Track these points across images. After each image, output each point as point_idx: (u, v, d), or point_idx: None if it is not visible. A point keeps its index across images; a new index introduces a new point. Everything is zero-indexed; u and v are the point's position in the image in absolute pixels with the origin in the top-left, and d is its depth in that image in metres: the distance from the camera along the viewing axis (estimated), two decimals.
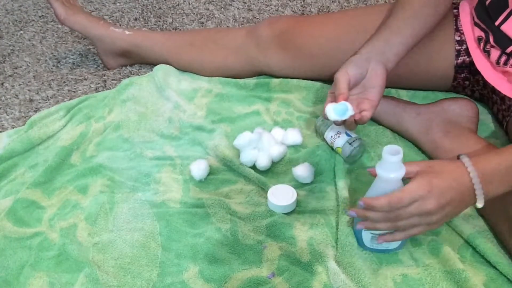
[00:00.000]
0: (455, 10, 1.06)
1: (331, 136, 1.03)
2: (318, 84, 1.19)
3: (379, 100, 0.87)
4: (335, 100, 0.84)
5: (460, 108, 1.03)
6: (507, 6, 0.93)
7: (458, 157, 0.77)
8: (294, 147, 1.07)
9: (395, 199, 0.74)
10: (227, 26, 1.52)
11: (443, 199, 0.74)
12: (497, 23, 0.95)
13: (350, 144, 1.00)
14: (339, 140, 1.01)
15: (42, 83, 1.33)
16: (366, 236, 0.84)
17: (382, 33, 0.91)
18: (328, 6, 1.57)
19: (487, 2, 0.97)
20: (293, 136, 1.07)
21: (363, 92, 0.87)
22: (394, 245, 0.85)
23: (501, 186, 0.76)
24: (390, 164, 0.74)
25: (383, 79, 0.88)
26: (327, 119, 0.84)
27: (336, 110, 0.82)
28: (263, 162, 1.01)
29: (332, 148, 1.04)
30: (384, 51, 0.89)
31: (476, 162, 0.75)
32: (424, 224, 0.77)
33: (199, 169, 1.00)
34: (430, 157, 1.01)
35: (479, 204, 0.76)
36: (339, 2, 1.59)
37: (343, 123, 0.85)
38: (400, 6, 0.94)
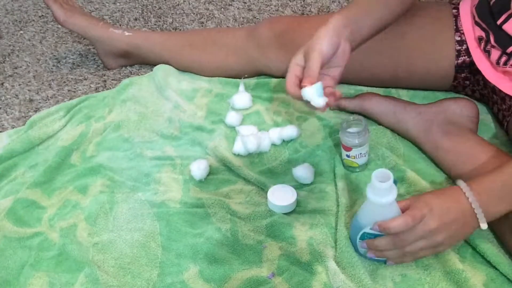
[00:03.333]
0: (454, 10, 1.06)
1: (356, 155, 0.99)
2: None
3: (339, 79, 0.86)
4: (300, 74, 0.82)
5: (460, 108, 1.03)
6: (509, 7, 0.93)
7: (455, 183, 0.79)
8: (294, 147, 1.07)
9: (410, 217, 0.75)
10: (227, 26, 1.52)
11: (445, 218, 0.75)
12: (499, 22, 0.95)
13: (366, 164, 1.01)
14: (360, 160, 0.99)
15: (42, 83, 1.33)
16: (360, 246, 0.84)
17: (353, 11, 0.87)
18: (328, 6, 1.57)
19: (492, 1, 0.97)
20: (289, 130, 1.07)
21: (325, 69, 0.84)
22: None
23: (502, 204, 0.77)
24: (380, 190, 0.75)
25: (348, 59, 0.85)
26: (303, 100, 0.80)
27: (318, 93, 0.79)
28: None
29: (343, 155, 1.01)
30: (354, 31, 0.86)
31: (471, 184, 0.77)
32: (430, 246, 0.77)
33: (199, 169, 1.00)
34: (430, 157, 1.01)
35: (483, 225, 0.76)
36: (339, 2, 1.59)
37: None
38: None
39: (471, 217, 0.76)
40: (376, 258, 0.84)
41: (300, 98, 0.80)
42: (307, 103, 0.80)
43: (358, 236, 0.82)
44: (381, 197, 0.75)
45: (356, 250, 0.85)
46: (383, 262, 0.84)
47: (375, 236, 0.80)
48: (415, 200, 0.77)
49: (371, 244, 0.81)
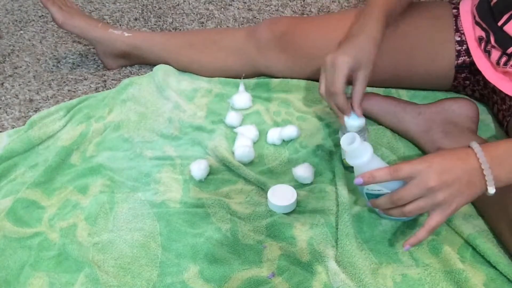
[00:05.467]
0: (454, 10, 1.06)
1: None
2: (318, 84, 1.19)
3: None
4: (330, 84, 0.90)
5: (461, 108, 1.03)
6: (510, 8, 0.93)
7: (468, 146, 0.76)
8: (294, 147, 1.07)
9: (393, 167, 0.74)
10: (227, 26, 1.52)
11: (446, 175, 0.72)
12: (500, 23, 0.95)
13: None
14: None
15: (42, 83, 1.33)
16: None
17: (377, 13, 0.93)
18: (328, 6, 1.57)
19: (493, 2, 0.97)
20: (289, 130, 1.07)
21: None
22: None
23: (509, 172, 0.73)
24: (353, 151, 0.77)
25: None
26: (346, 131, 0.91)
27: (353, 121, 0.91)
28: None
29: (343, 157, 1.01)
30: (376, 32, 0.91)
31: (484, 147, 0.73)
32: (433, 205, 0.74)
33: (199, 169, 1.00)
34: None
35: (491, 189, 0.73)
36: (339, 2, 1.59)
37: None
38: None
39: (478, 178, 0.73)
40: (398, 218, 0.86)
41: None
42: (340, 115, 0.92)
43: (365, 195, 0.84)
44: (357, 157, 0.78)
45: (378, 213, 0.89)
46: (399, 220, 0.88)
47: (377, 195, 0.80)
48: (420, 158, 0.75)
49: (375, 203, 0.81)
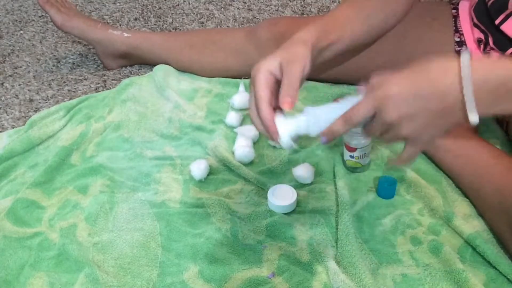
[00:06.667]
0: (454, 11, 1.06)
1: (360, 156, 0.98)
2: (318, 84, 1.19)
3: None
4: (273, 87, 0.72)
5: None
6: (506, 7, 0.93)
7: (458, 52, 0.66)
8: (294, 148, 1.07)
9: (348, 113, 0.66)
10: (227, 26, 1.52)
11: (405, 107, 0.62)
12: (496, 22, 0.95)
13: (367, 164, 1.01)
14: (363, 160, 0.99)
15: (42, 83, 1.33)
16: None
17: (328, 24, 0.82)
18: (328, 6, 1.57)
19: (489, 2, 0.97)
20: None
21: None
22: None
23: (494, 100, 0.60)
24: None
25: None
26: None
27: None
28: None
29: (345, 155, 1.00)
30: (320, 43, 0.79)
31: (477, 65, 0.60)
32: (398, 139, 0.66)
33: (199, 169, 1.00)
34: (429, 157, 1.01)
35: (473, 116, 0.61)
36: (339, 2, 1.59)
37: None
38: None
39: (454, 102, 0.60)
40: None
41: (273, 135, 0.71)
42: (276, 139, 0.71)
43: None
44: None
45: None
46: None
47: None
48: (373, 86, 0.65)
49: (330, 131, 0.68)
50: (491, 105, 0.61)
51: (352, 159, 0.98)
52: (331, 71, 1.15)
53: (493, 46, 0.97)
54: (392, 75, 0.64)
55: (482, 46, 1.00)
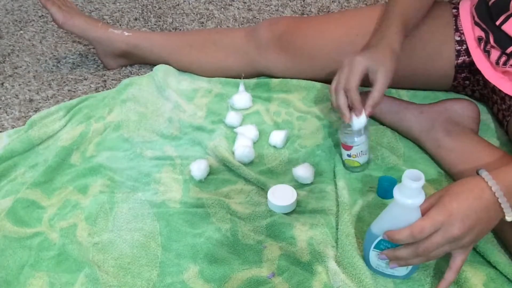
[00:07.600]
0: (454, 10, 1.06)
1: (357, 154, 0.98)
2: (318, 84, 1.19)
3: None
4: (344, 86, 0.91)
5: (462, 109, 1.03)
6: (507, 8, 0.93)
7: (477, 173, 0.74)
8: (294, 147, 1.07)
9: (417, 228, 0.71)
10: (227, 26, 1.52)
11: (468, 221, 0.70)
12: (498, 22, 0.95)
13: (367, 162, 1.01)
14: (361, 158, 0.99)
15: (42, 83, 1.33)
16: (373, 258, 0.81)
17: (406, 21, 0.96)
18: (328, 6, 1.57)
19: (491, 2, 0.97)
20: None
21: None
22: (402, 271, 0.81)
23: None
24: (410, 190, 0.70)
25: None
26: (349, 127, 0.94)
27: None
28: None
29: (343, 154, 1.00)
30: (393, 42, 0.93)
31: (496, 176, 0.72)
32: (457, 248, 0.74)
33: (199, 169, 1.00)
34: (431, 155, 1.01)
35: (509, 217, 0.72)
36: (339, 2, 1.59)
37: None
38: None
39: (495, 210, 0.72)
40: (390, 274, 0.81)
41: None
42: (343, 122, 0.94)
43: (373, 245, 0.78)
44: (408, 197, 0.71)
45: (368, 263, 0.82)
46: (398, 278, 0.82)
47: (393, 245, 0.75)
48: (438, 202, 0.72)
49: (392, 255, 0.76)
50: None
51: (350, 158, 0.99)
52: (331, 70, 1.15)
53: (493, 44, 0.97)
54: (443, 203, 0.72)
55: (482, 44, 1.00)
